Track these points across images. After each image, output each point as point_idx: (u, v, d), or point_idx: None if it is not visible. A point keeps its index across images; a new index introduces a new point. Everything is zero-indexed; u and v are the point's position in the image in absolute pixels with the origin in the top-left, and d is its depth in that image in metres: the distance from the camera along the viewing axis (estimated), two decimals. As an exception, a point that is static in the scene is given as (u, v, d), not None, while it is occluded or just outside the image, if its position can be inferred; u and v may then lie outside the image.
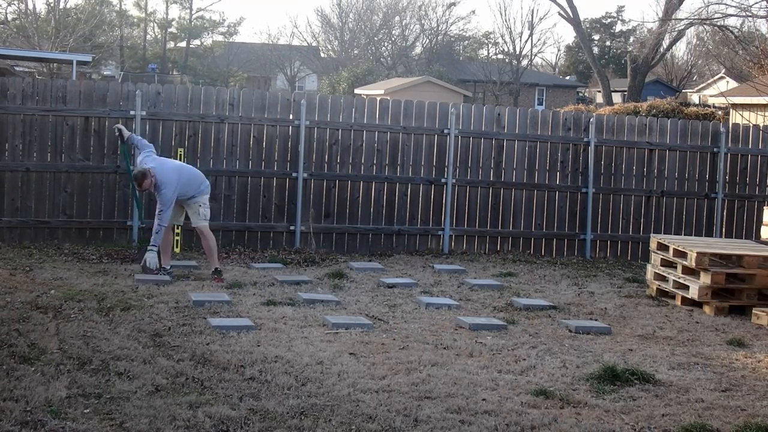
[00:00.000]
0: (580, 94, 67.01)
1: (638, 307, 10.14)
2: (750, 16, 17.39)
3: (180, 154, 11.87)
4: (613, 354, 7.86)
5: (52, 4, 44.90)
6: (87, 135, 11.95)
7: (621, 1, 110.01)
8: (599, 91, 53.25)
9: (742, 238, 13.58)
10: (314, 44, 72.77)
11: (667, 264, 10.71)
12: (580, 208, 13.61)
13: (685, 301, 10.32)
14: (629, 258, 13.64)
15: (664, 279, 10.75)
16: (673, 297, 10.54)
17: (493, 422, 5.86)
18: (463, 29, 74.18)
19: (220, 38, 74.93)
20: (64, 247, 11.53)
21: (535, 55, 71.71)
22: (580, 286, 11.29)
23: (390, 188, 12.97)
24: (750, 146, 14.25)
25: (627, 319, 9.49)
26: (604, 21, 74.93)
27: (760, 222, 13.68)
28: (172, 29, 74.84)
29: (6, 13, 45.71)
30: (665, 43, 47.27)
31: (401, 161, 13.02)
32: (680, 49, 74.62)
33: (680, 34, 46.39)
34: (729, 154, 14.08)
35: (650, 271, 11.03)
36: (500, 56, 66.94)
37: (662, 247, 10.93)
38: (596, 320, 9.28)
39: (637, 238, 13.65)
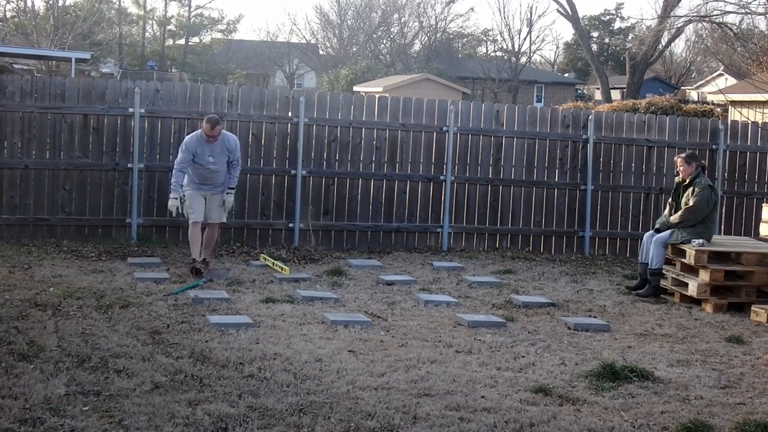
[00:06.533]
0: (579, 91, 66.96)
1: (637, 305, 10.14)
2: (749, 13, 17.39)
3: None
4: (612, 351, 7.86)
5: (50, 2, 44.86)
6: (86, 132, 11.94)
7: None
8: (598, 89, 53.24)
9: (741, 235, 13.58)
10: (313, 42, 72.70)
11: (666, 261, 10.71)
12: (579, 205, 13.61)
13: (684, 298, 10.32)
14: (628, 255, 13.64)
15: (662, 276, 10.75)
16: (672, 294, 10.54)
17: (492, 419, 5.86)
18: (461, 26, 74.20)
19: (219, 36, 74.80)
20: (62, 244, 11.53)
21: (534, 52, 71.81)
22: (579, 283, 11.30)
23: (389, 185, 12.97)
24: (749, 143, 14.24)
25: (626, 316, 9.50)
26: (602, 18, 74.95)
27: (759, 219, 13.67)
28: (171, 27, 74.70)
29: (5, 11, 45.68)
30: (664, 40, 47.22)
31: (400, 158, 13.02)
32: (679, 46, 74.84)
33: (679, 31, 46.33)
34: (728, 152, 14.08)
35: (649, 268, 11.03)
36: (499, 53, 67.00)
37: (661, 244, 10.93)
38: (595, 317, 9.29)
39: (636, 236, 13.60)
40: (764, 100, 18.21)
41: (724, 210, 14.05)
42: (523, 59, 64.15)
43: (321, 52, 71.57)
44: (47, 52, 33.37)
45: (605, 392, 6.61)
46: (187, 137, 10.59)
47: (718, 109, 29.82)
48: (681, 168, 10.79)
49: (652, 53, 46.80)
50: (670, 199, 11.12)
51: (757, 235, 12.85)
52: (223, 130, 10.50)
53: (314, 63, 68.68)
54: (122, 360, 6.71)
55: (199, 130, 10.48)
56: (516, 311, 9.36)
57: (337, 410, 5.88)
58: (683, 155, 10.95)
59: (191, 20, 73.93)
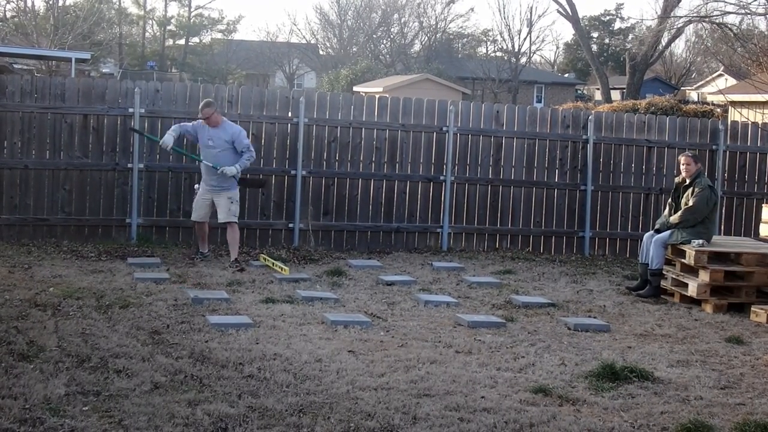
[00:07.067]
0: (579, 92, 66.95)
1: (637, 305, 10.14)
2: (749, 14, 17.38)
3: None
4: (612, 351, 7.86)
5: (51, 2, 44.87)
6: (86, 132, 11.94)
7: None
8: (598, 89, 53.23)
9: (741, 236, 13.58)
10: (313, 42, 72.68)
11: (666, 262, 10.71)
12: (579, 205, 13.61)
13: (684, 298, 10.33)
14: (628, 255, 13.64)
15: (663, 277, 10.75)
16: (672, 294, 10.55)
17: (492, 420, 5.86)
18: (461, 27, 74.07)
19: (219, 36, 74.80)
20: (62, 244, 11.53)
21: (534, 52, 71.78)
22: (579, 283, 11.30)
23: (389, 186, 12.97)
24: (749, 143, 14.25)
25: (626, 316, 9.50)
26: (602, 18, 74.94)
27: (759, 219, 13.67)
28: (171, 27, 74.68)
29: (5, 11, 45.69)
30: (664, 40, 47.22)
31: (400, 159, 13.02)
32: (679, 47, 74.72)
33: (679, 32, 46.30)
34: (728, 152, 14.08)
35: (649, 268, 11.02)
36: (499, 54, 66.95)
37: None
38: (595, 318, 9.29)
39: (636, 236, 13.60)
40: (764, 100, 18.21)
41: (724, 210, 14.05)
42: (523, 59, 64.17)
43: (321, 53, 71.54)
44: (47, 52, 33.36)
45: (605, 392, 6.61)
46: None
47: (718, 110, 29.80)
48: (686, 166, 10.77)
49: (652, 54, 46.80)
50: (669, 200, 11.12)
51: (757, 235, 12.84)
52: (225, 120, 11.15)
53: (314, 63, 68.65)
54: (122, 360, 6.71)
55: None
56: (516, 311, 9.36)
57: (337, 410, 5.88)
58: (689, 153, 10.96)
59: (191, 20, 73.92)
